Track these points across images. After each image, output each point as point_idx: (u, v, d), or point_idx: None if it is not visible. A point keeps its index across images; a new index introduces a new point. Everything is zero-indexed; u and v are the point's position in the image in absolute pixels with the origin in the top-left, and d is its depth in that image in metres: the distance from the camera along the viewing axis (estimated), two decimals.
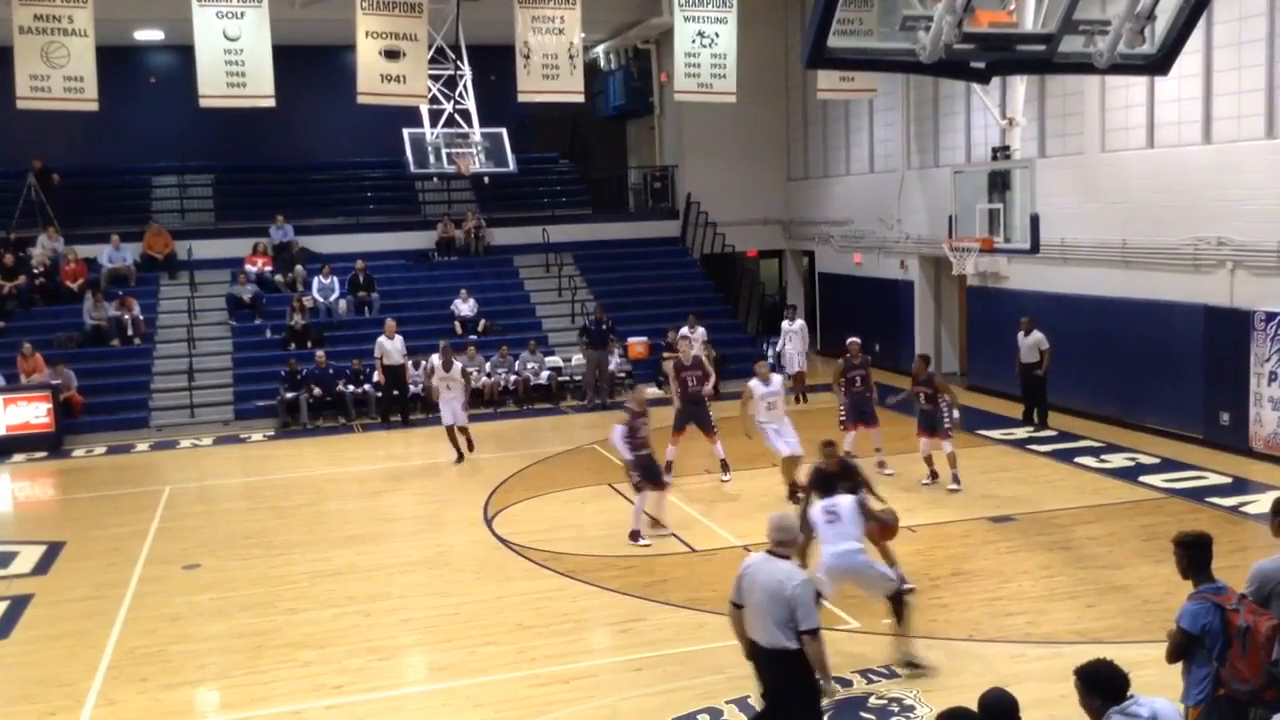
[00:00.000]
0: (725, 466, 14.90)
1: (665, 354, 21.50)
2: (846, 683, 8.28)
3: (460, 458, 16.80)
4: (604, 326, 21.29)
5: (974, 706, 4.87)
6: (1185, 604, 5.94)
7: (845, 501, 8.88)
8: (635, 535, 12.25)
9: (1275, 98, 14.65)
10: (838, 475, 10.08)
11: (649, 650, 9.26)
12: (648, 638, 9.55)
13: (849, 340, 15.34)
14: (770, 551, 6.62)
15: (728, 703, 8.15)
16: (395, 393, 20.22)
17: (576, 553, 12.08)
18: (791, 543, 6.77)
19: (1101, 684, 4.94)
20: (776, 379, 14.08)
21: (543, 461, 16.67)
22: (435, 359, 17.22)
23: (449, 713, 8.39)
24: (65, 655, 9.80)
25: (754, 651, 6.62)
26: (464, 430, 16.97)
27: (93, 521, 14.41)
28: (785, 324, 21.33)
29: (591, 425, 19.43)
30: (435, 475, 16.23)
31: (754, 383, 13.85)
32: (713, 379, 15.83)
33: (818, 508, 8.91)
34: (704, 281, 25.96)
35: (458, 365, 17.02)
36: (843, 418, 14.96)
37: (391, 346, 20.06)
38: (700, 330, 20.88)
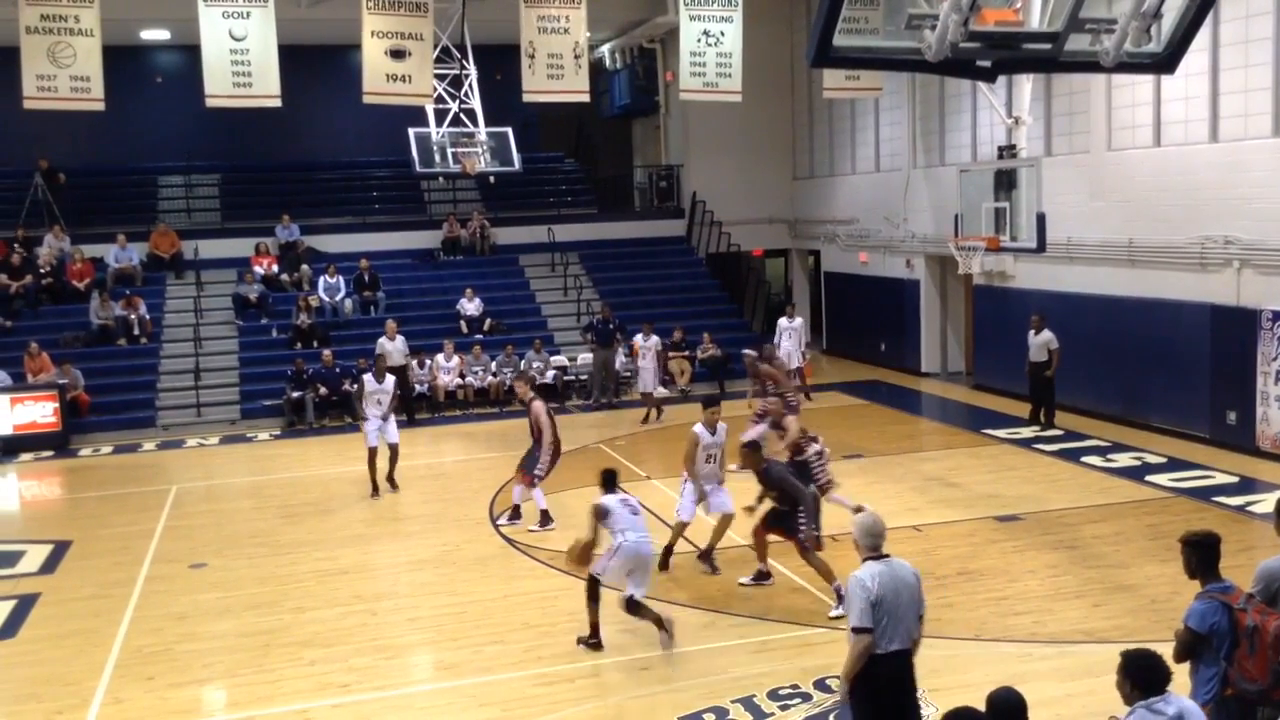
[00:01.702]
0: (517, 512, 13.42)
1: (670, 354, 21.56)
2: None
3: (376, 490, 14.70)
4: (611, 326, 21.27)
5: (980, 706, 4.87)
6: (1193, 603, 5.93)
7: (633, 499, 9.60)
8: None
9: None
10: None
11: (654, 649, 9.25)
12: (653, 637, 9.51)
13: (743, 351, 16.53)
14: (876, 557, 6.45)
15: (733, 702, 8.15)
16: (399, 392, 20.14)
17: None
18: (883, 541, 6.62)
19: (1140, 674, 5.02)
20: (722, 428, 11.64)
21: None
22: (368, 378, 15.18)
23: (455, 711, 8.40)
24: (72, 654, 9.82)
25: (895, 661, 6.27)
26: (394, 448, 14.68)
27: (99, 520, 14.43)
28: (784, 321, 21.27)
29: (597, 424, 19.46)
30: (440, 474, 16.22)
31: (699, 429, 11.51)
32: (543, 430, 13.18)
33: (616, 499, 9.38)
34: (709, 281, 25.95)
35: (391, 379, 15.07)
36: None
37: (393, 347, 20.03)
38: (654, 339, 20.42)
